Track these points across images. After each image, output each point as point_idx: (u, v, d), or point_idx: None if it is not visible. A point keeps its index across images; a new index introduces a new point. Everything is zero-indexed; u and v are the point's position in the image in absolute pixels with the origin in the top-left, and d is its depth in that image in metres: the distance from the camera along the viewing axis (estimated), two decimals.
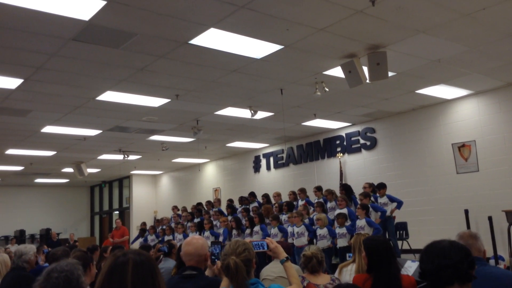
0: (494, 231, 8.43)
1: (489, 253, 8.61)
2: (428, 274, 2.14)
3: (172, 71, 7.24)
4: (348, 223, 8.73)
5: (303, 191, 10.71)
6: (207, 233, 10.97)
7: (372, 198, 9.14)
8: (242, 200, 12.09)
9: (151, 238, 13.06)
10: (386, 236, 8.81)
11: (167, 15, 5.32)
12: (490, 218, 8.48)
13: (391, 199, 9.15)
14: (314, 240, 9.08)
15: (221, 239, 10.53)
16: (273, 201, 11.26)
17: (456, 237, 2.90)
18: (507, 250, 8.30)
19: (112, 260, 1.67)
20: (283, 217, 10.04)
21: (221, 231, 11.01)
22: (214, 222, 11.55)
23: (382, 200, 9.18)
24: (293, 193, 10.90)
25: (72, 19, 5.27)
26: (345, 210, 9.01)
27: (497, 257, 8.34)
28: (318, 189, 10.32)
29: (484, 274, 2.62)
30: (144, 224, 14.26)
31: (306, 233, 9.02)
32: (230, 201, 12.57)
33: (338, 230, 8.60)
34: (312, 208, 10.11)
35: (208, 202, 13.46)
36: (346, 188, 9.99)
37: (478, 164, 9.64)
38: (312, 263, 3.95)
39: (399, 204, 9.11)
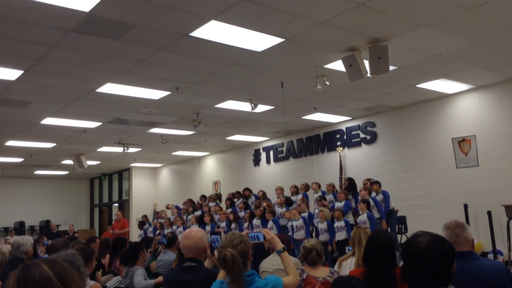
0: (493, 226, 8.44)
1: (488, 247, 8.64)
2: (413, 281, 2.13)
3: (172, 63, 7.22)
4: (348, 217, 8.78)
5: (306, 186, 10.79)
6: (208, 228, 11.01)
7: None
8: (238, 194, 12.20)
9: (150, 230, 13.10)
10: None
11: (167, 6, 5.29)
12: (489, 213, 8.50)
13: (386, 200, 9.16)
14: (313, 234, 9.11)
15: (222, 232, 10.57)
16: (275, 195, 11.31)
17: (442, 228, 2.86)
18: (506, 245, 8.32)
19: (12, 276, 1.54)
20: (279, 211, 10.11)
21: (221, 224, 11.05)
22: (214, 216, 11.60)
23: (379, 197, 9.21)
24: (295, 186, 10.94)
25: (73, 10, 5.25)
26: (342, 203, 9.06)
27: (495, 252, 8.36)
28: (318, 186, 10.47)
29: (475, 268, 2.62)
30: (145, 217, 14.29)
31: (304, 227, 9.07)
32: (232, 195, 12.62)
33: (337, 224, 8.63)
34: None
35: (203, 196, 13.55)
36: (350, 182, 10.02)
37: (478, 158, 9.64)
38: (311, 255, 3.95)
39: (386, 208, 9.17)
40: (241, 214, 10.88)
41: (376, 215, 8.69)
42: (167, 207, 14.42)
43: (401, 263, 4.06)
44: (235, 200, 12.25)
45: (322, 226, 8.81)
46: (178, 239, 6.37)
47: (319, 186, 10.46)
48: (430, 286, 2.10)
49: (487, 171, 9.48)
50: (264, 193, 11.53)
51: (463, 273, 2.50)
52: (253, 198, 11.81)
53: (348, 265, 4.30)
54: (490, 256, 8.35)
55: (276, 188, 11.40)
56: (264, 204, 10.41)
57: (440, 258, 2.12)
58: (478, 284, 2.56)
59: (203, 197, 13.57)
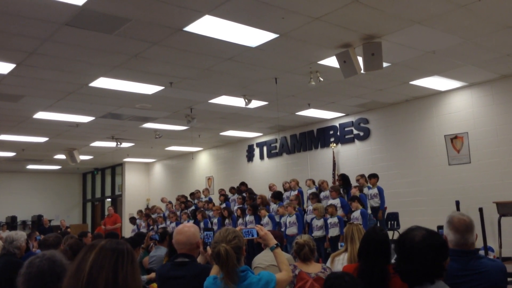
0: (484, 223, 8.49)
1: (479, 244, 8.68)
2: (406, 273, 2.11)
3: (166, 58, 7.19)
4: (339, 213, 8.81)
5: (297, 182, 10.81)
6: (201, 224, 11.01)
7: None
8: (234, 190, 12.19)
9: (143, 225, 13.09)
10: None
11: (161, 1, 5.27)
12: (481, 210, 8.53)
13: (381, 195, 9.21)
14: (306, 230, 9.13)
15: (215, 228, 10.57)
16: (269, 192, 11.32)
17: (448, 226, 2.80)
18: (497, 242, 8.38)
19: (80, 252, 1.62)
20: (273, 207, 10.12)
21: (214, 220, 11.06)
22: (207, 212, 11.61)
23: (373, 191, 9.25)
24: (288, 183, 10.95)
25: (66, 3, 5.21)
26: (336, 201, 9.08)
27: (486, 248, 8.42)
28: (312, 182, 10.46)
29: (477, 267, 2.61)
30: (139, 213, 14.25)
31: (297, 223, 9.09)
32: (224, 191, 12.63)
33: (330, 220, 8.66)
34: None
35: (197, 191, 13.55)
36: (344, 178, 10.05)
37: (470, 156, 9.70)
38: (304, 251, 3.96)
39: (382, 204, 9.24)
40: (235, 207, 10.90)
41: (369, 209, 8.79)
42: (163, 201, 14.40)
43: (394, 258, 4.09)
44: (229, 195, 12.27)
45: (318, 222, 8.83)
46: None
47: (313, 183, 10.46)
48: (421, 278, 2.10)
49: (479, 168, 9.54)
50: (250, 193, 11.52)
51: (466, 271, 2.50)
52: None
53: (340, 261, 4.32)
54: (481, 252, 8.40)
55: (269, 186, 11.40)
56: (259, 200, 10.41)
57: (434, 251, 2.12)
58: (478, 284, 2.57)
59: (198, 192, 13.58)
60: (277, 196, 10.42)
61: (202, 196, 13.16)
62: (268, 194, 11.14)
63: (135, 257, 1.60)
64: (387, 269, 3.28)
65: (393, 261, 3.68)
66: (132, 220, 13.81)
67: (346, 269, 3.48)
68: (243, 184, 12.31)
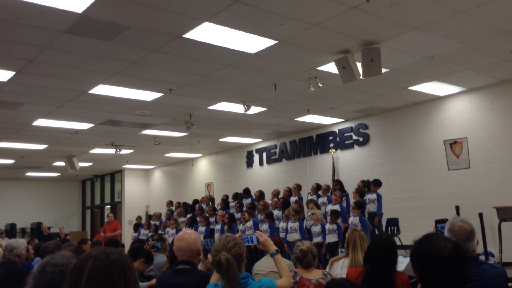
0: (484, 228, 8.48)
1: (480, 249, 8.66)
2: (429, 283, 2.07)
3: (165, 65, 7.20)
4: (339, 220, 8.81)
5: (299, 187, 10.78)
6: (202, 229, 10.97)
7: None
8: (236, 196, 12.15)
9: (144, 233, 13.05)
10: (375, 233, 9.00)
11: (161, 8, 5.29)
12: (480, 215, 8.52)
13: (378, 201, 9.24)
14: (307, 235, 9.11)
15: (217, 235, 10.54)
16: (271, 197, 11.28)
17: (449, 233, 2.80)
18: (498, 247, 8.37)
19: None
20: (276, 213, 10.08)
21: (217, 226, 11.01)
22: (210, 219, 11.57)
23: (371, 196, 9.25)
24: (289, 189, 10.93)
25: (65, 11, 5.23)
26: (337, 207, 9.07)
27: (487, 254, 8.40)
28: (317, 186, 10.48)
29: (478, 274, 2.60)
30: (139, 218, 14.23)
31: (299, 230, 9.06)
32: (226, 197, 12.59)
33: (329, 226, 8.63)
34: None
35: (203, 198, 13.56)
36: (340, 184, 10.08)
37: (469, 161, 9.70)
38: (307, 258, 3.96)
39: (378, 210, 9.29)
40: (238, 215, 10.86)
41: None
42: (168, 205, 14.38)
43: (403, 266, 4.07)
44: (231, 201, 12.23)
45: (317, 229, 8.81)
46: (168, 241, 6.36)
47: (318, 187, 10.45)
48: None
49: (479, 173, 9.54)
50: (261, 194, 11.50)
51: (468, 278, 2.49)
52: (249, 200, 11.74)
53: (339, 266, 4.32)
54: (482, 258, 8.38)
55: (272, 192, 11.37)
56: (261, 206, 10.36)
57: (465, 264, 2.08)
58: None
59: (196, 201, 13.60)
60: (286, 204, 10.35)
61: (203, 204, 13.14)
62: (267, 199, 11.13)
63: (109, 268, 1.50)
64: (393, 276, 3.28)
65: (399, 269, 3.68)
66: (136, 227, 13.78)
67: (350, 273, 3.49)
68: (246, 191, 12.18)
